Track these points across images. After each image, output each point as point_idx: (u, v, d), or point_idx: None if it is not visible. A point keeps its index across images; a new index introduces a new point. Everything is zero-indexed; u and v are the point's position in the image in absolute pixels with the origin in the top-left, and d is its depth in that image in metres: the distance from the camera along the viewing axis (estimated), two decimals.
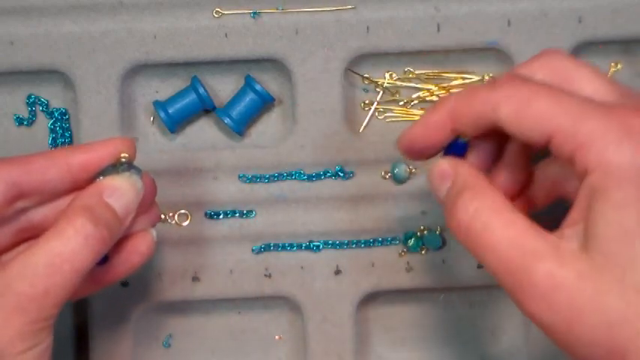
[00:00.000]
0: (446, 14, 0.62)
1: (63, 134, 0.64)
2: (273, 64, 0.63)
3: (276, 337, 0.65)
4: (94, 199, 0.48)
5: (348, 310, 0.63)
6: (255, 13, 0.62)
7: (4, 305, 0.44)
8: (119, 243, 0.51)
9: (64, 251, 0.46)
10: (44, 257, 0.45)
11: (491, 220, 0.44)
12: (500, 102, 0.45)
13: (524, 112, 0.44)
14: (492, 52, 0.63)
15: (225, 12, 0.62)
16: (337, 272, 0.63)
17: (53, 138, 0.64)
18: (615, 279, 0.41)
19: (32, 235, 0.51)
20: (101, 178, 0.50)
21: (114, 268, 0.51)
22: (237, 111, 0.62)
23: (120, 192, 0.49)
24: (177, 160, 0.63)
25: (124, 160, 0.50)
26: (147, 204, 0.52)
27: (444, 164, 0.49)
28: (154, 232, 0.53)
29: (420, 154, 0.51)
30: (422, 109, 0.64)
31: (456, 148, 0.50)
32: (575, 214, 0.44)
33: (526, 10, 0.62)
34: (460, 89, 0.50)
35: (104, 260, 0.50)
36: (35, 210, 0.51)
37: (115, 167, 0.50)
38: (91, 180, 0.50)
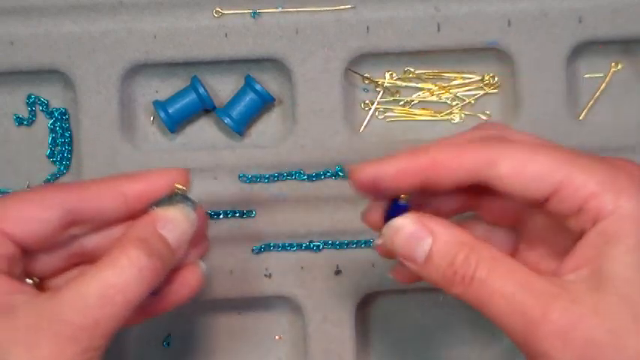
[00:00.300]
0: (446, 14, 0.62)
1: (63, 134, 0.64)
2: (273, 64, 0.63)
3: (276, 337, 0.65)
4: (149, 230, 0.48)
5: (348, 310, 0.63)
6: (255, 13, 0.62)
7: (58, 334, 0.44)
8: (169, 274, 0.50)
9: (117, 282, 0.45)
10: (97, 288, 0.45)
11: (496, 268, 0.44)
12: (499, 158, 0.45)
13: (527, 167, 0.44)
14: (492, 52, 0.63)
15: (225, 12, 0.62)
16: (337, 272, 0.63)
17: (53, 138, 0.64)
18: (632, 318, 0.42)
19: (82, 260, 0.51)
20: (155, 208, 0.49)
21: (163, 299, 0.50)
22: (237, 111, 0.62)
23: (174, 224, 0.49)
24: (177, 160, 0.63)
25: (178, 191, 0.50)
26: (199, 237, 0.51)
27: (411, 224, 0.46)
28: (203, 266, 0.52)
29: (376, 192, 0.47)
30: (422, 109, 0.64)
31: (397, 210, 0.47)
32: (578, 259, 0.44)
33: (526, 10, 0.62)
34: (440, 139, 0.48)
35: (155, 292, 0.49)
36: (88, 237, 0.50)
37: (170, 198, 0.49)
38: (145, 209, 0.49)
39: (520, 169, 0.44)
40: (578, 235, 0.44)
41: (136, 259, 0.46)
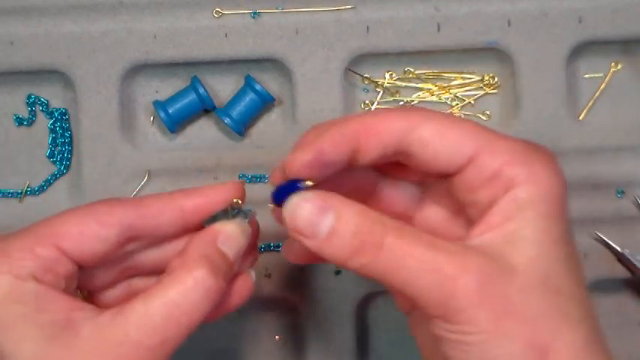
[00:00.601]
0: (446, 14, 0.62)
1: (63, 134, 0.64)
2: (273, 64, 0.63)
3: (276, 337, 0.65)
4: (211, 248, 0.47)
5: (348, 310, 0.63)
6: (255, 13, 0.62)
7: (123, 355, 0.44)
8: None
9: (183, 303, 0.45)
10: (162, 308, 0.45)
11: (404, 234, 0.44)
12: (422, 122, 0.46)
13: (448, 132, 0.45)
14: (492, 52, 0.63)
15: (225, 12, 0.62)
16: (337, 272, 0.63)
17: (53, 138, 0.64)
18: (539, 280, 0.43)
19: (136, 273, 0.51)
20: (211, 222, 0.49)
21: (215, 309, 0.49)
22: (237, 111, 0.62)
23: (233, 239, 0.48)
24: (177, 160, 0.63)
25: (235, 205, 0.49)
26: (251, 246, 0.51)
27: (313, 199, 0.45)
28: (253, 274, 0.51)
29: (317, 171, 0.46)
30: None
31: (290, 190, 0.46)
32: (489, 224, 0.45)
33: (526, 10, 0.62)
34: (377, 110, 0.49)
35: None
36: (144, 251, 0.50)
37: (227, 213, 0.49)
38: (201, 224, 0.49)
39: (441, 133, 0.45)
40: (487, 207, 0.45)
41: (201, 279, 0.46)
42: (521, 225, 0.44)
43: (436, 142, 0.45)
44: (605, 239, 0.62)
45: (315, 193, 0.46)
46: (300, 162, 0.46)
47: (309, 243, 0.45)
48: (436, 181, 0.49)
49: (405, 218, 0.51)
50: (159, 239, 0.50)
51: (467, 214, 0.47)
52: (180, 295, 0.45)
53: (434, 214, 0.51)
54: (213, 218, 0.49)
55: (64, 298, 0.45)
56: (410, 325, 0.53)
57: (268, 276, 0.63)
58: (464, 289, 0.43)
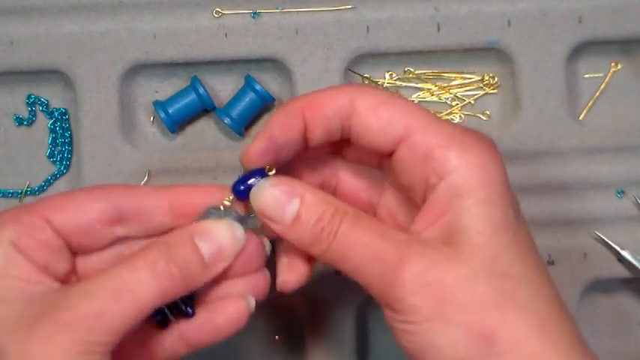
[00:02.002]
0: (446, 14, 0.62)
1: (63, 134, 0.64)
2: (273, 64, 0.63)
3: (276, 337, 0.65)
4: (180, 238, 0.46)
5: (349, 312, 0.62)
6: (255, 13, 0.62)
7: (56, 318, 0.43)
8: (209, 301, 0.48)
9: (127, 280, 0.44)
10: (106, 281, 0.44)
11: (358, 222, 0.45)
12: (359, 94, 0.47)
13: (384, 106, 0.46)
14: (492, 52, 0.63)
15: (225, 12, 0.62)
16: (338, 272, 0.63)
17: (53, 138, 0.64)
18: (484, 266, 0.44)
19: None
20: (202, 220, 0.48)
21: (200, 326, 0.48)
22: (237, 111, 0.62)
23: (212, 236, 0.47)
24: (177, 160, 0.63)
25: (226, 204, 0.48)
26: (251, 265, 0.48)
27: (280, 185, 0.46)
28: (251, 301, 0.48)
29: (274, 155, 0.47)
30: None
31: (251, 178, 0.47)
32: (430, 215, 0.45)
33: (526, 10, 0.62)
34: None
35: (190, 315, 0.47)
36: (135, 242, 0.49)
37: (218, 212, 0.48)
38: (192, 222, 0.48)
39: (375, 107, 0.46)
40: (423, 191, 0.46)
41: (151, 260, 0.45)
42: (460, 214, 0.44)
43: (370, 117, 0.46)
44: (605, 239, 0.62)
45: (281, 179, 0.47)
46: (254, 150, 0.47)
47: (277, 227, 0.46)
48: (389, 166, 0.49)
49: (369, 206, 0.52)
50: (147, 229, 0.49)
51: (411, 198, 0.48)
52: (127, 273, 0.44)
53: (392, 199, 0.51)
54: (204, 217, 0.48)
55: (29, 269, 0.45)
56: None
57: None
58: (403, 277, 0.44)
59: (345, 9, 0.62)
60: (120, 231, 0.48)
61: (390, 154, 0.47)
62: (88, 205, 0.47)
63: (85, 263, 0.49)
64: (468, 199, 0.44)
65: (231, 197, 0.48)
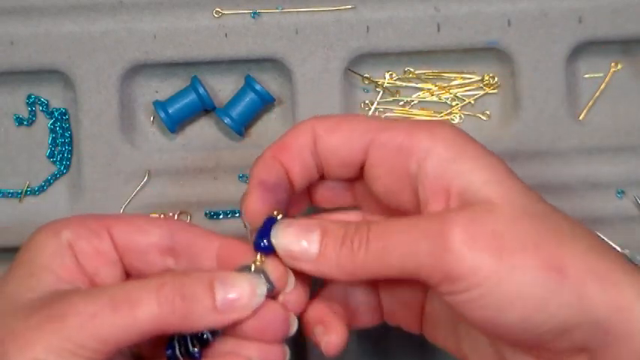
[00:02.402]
0: (446, 14, 0.62)
1: (63, 134, 0.64)
2: (273, 64, 0.63)
3: None
4: (200, 275, 0.46)
5: None
6: (255, 13, 0.62)
7: (52, 310, 0.43)
8: (218, 353, 0.47)
9: (131, 293, 0.44)
10: (113, 290, 0.44)
11: (387, 222, 0.46)
12: (318, 121, 0.48)
13: (343, 122, 0.48)
14: (492, 52, 0.63)
15: (225, 12, 0.62)
16: None
17: (53, 138, 0.64)
18: (520, 209, 0.44)
19: None
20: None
21: None
22: (237, 111, 0.62)
23: (231, 282, 0.46)
24: (177, 160, 0.63)
25: (257, 264, 0.47)
26: (268, 332, 0.47)
27: (296, 225, 0.47)
28: None
29: (272, 195, 0.48)
30: (422, 109, 0.64)
31: (267, 229, 0.47)
32: (434, 195, 0.46)
33: (526, 10, 0.62)
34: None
35: (195, 357, 0.47)
36: None
37: (248, 270, 0.47)
38: None
39: (333, 127, 0.48)
40: (414, 180, 0.46)
41: (160, 284, 0.44)
42: (465, 176, 0.45)
43: (332, 136, 0.47)
44: (605, 239, 0.62)
45: (292, 220, 0.47)
46: (252, 201, 0.48)
47: (307, 266, 0.46)
48: (363, 185, 0.50)
49: None
50: (195, 268, 0.49)
51: (407, 202, 0.48)
52: (134, 286, 0.44)
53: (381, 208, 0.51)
54: (239, 270, 0.48)
55: (72, 269, 0.46)
56: (429, 335, 0.52)
57: None
58: (453, 242, 0.43)
59: (345, 9, 0.62)
60: (170, 262, 0.49)
61: (361, 168, 0.48)
62: (150, 228, 0.48)
63: None
64: (461, 162, 0.45)
65: (260, 257, 0.47)
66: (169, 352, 0.47)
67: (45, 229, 0.47)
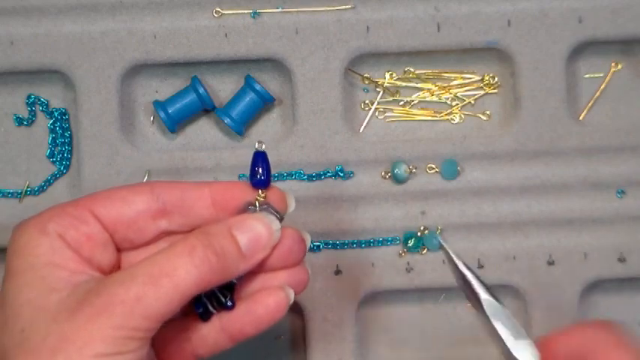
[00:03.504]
0: (446, 14, 0.62)
1: (63, 134, 0.64)
2: (273, 64, 0.63)
3: (276, 337, 0.65)
4: (218, 227, 0.47)
5: (348, 310, 0.62)
6: (255, 13, 0.62)
7: (95, 304, 0.43)
8: (249, 293, 0.49)
9: (165, 265, 0.44)
10: (147, 267, 0.44)
11: None
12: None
13: None
14: (492, 52, 0.63)
15: (225, 12, 0.62)
16: (337, 272, 0.63)
17: (53, 138, 0.64)
18: None
19: None
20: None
21: (240, 317, 0.48)
22: (237, 111, 0.62)
23: (248, 226, 0.47)
24: (177, 160, 0.63)
25: (260, 199, 0.48)
26: (289, 259, 0.49)
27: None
28: (290, 292, 0.48)
29: None
30: (422, 109, 0.64)
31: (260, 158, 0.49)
32: None
33: (526, 10, 0.62)
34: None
35: (230, 306, 0.48)
36: (178, 238, 0.49)
37: (254, 208, 0.48)
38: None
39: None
40: None
41: (190, 247, 0.45)
42: None
43: None
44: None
45: None
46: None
47: None
48: None
49: None
50: (191, 223, 0.49)
51: None
52: (165, 258, 0.44)
53: None
54: (242, 212, 0.48)
55: (73, 260, 0.46)
56: None
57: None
58: None
59: (345, 9, 0.62)
60: (164, 224, 0.48)
61: None
62: (133, 197, 0.48)
63: (129, 259, 0.49)
64: None
65: (261, 193, 0.49)
66: (200, 310, 0.48)
67: (28, 229, 0.46)
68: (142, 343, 0.43)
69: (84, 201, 0.48)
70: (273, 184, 0.49)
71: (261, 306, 0.48)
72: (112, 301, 0.43)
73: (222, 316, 0.48)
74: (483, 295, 0.46)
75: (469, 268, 0.47)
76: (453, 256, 0.47)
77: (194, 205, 0.48)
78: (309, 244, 0.50)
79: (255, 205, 0.48)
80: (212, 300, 0.48)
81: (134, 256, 0.49)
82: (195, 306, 0.48)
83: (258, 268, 0.48)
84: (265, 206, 0.48)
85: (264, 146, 0.48)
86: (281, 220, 0.48)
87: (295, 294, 0.49)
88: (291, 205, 0.50)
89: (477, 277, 0.47)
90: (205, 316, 0.48)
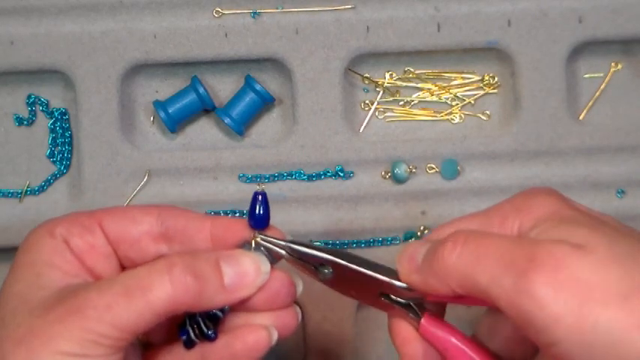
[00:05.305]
0: (446, 14, 0.62)
1: (63, 134, 0.64)
2: (273, 64, 0.63)
3: None
4: (207, 255, 0.47)
5: (348, 310, 0.62)
6: (255, 13, 0.62)
7: (68, 305, 0.44)
8: (233, 327, 0.48)
9: (143, 278, 0.45)
10: (125, 278, 0.45)
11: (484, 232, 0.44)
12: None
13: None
14: (492, 52, 0.63)
15: (225, 12, 0.62)
16: None
17: (53, 138, 0.64)
18: (612, 257, 0.41)
19: None
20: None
21: (220, 350, 0.48)
22: (237, 111, 0.62)
23: (236, 261, 0.47)
24: (177, 160, 0.63)
25: (257, 241, 0.48)
26: (277, 302, 0.48)
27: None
28: (273, 333, 0.48)
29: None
30: (422, 109, 0.64)
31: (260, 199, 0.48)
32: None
33: (526, 10, 0.62)
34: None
35: (212, 337, 0.48)
36: None
37: (249, 247, 0.48)
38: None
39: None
40: None
41: (170, 264, 0.45)
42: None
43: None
44: None
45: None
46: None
47: (416, 278, 0.46)
48: None
49: None
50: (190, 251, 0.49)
51: None
52: (144, 273, 0.45)
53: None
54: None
55: (74, 263, 0.47)
56: None
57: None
58: (537, 284, 0.40)
59: (345, 9, 0.62)
60: (164, 249, 0.49)
61: None
62: (140, 217, 0.49)
63: None
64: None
65: (256, 233, 0.48)
66: (184, 337, 0.48)
67: (39, 230, 0.48)
68: (109, 351, 0.44)
69: (95, 213, 0.49)
70: (272, 224, 0.49)
71: (240, 342, 0.48)
72: (84, 304, 0.44)
73: (205, 347, 0.48)
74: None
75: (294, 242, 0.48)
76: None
77: (194, 237, 0.49)
78: (300, 289, 0.49)
79: (251, 244, 0.48)
80: (195, 329, 0.48)
81: None
82: (180, 332, 0.48)
83: (242, 306, 0.48)
84: (259, 247, 0.48)
85: (263, 187, 0.48)
86: (273, 263, 0.48)
87: (280, 337, 0.49)
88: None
89: (306, 245, 0.48)
90: (188, 344, 0.48)
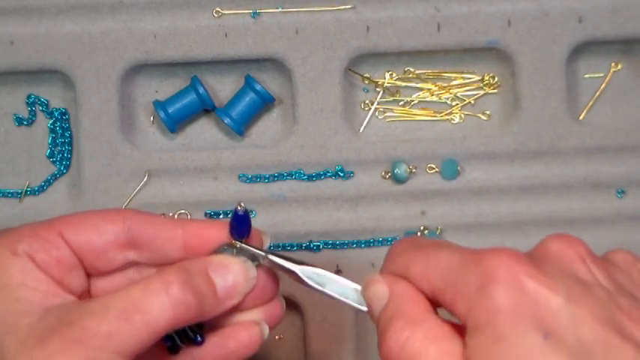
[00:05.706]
0: (446, 14, 0.62)
1: (63, 134, 0.64)
2: (273, 64, 0.63)
3: (276, 337, 0.65)
4: (196, 267, 0.46)
5: (348, 310, 0.62)
6: (255, 12, 0.62)
7: (67, 334, 0.43)
8: (224, 329, 0.48)
9: (140, 301, 0.44)
10: (120, 301, 0.44)
11: (424, 350, 0.40)
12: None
13: None
14: (492, 52, 0.63)
15: (225, 12, 0.62)
16: (337, 272, 0.63)
17: (53, 138, 0.64)
18: None
19: None
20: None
21: (212, 350, 0.48)
22: (237, 111, 0.62)
23: (226, 270, 0.47)
24: (177, 160, 0.63)
25: (237, 245, 0.48)
26: (263, 299, 0.48)
27: (380, 283, 0.44)
28: (265, 327, 0.48)
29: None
30: (422, 109, 0.64)
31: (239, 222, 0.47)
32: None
33: (526, 10, 0.62)
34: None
35: (199, 342, 0.47)
36: (146, 269, 0.49)
37: (231, 250, 0.48)
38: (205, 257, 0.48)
39: None
40: None
41: (167, 284, 0.44)
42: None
43: None
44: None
45: (385, 278, 0.45)
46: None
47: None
48: None
49: None
50: (159, 259, 0.48)
51: None
52: (141, 294, 0.44)
53: None
54: (217, 252, 0.48)
55: (46, 283, 0.45)
56: None
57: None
58: None
59: (345, 9, 0.62)
60: (132, 256, 0.48)
61: None
62: (104, 226, 0.47)
63: (99, 284, 0.49)
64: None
65: (238, 242, 0.48)
66: (169, 343, 0.47)
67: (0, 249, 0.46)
68: None
69: (55, 223, 0.47)
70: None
71: (234, 341, 0.48)
72: (84, 334, 0.43)
73: (193, 350, 0.48)
74: (297, 268, 0.47)
75: (278, 255, 0.48)
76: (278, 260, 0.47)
77: (164, 245, 0.48)
78: (279, 280, 0.49)
79: (233, 247, 0.48)
80: (181, 335, 0.47)
81: (103, 281, 0.49)
82: (164, 339, 0.46)
83: (230, 309, 0.48)
84: (243, 249, 0.48)
85: (244, 206, 0.47)
86: (255, 261, 0.48)
87: (270, 328, 0.49)
88: (266, 243, 0.49)
89: (284, 257, 0.47)
90: (173, 350, 0.48)
